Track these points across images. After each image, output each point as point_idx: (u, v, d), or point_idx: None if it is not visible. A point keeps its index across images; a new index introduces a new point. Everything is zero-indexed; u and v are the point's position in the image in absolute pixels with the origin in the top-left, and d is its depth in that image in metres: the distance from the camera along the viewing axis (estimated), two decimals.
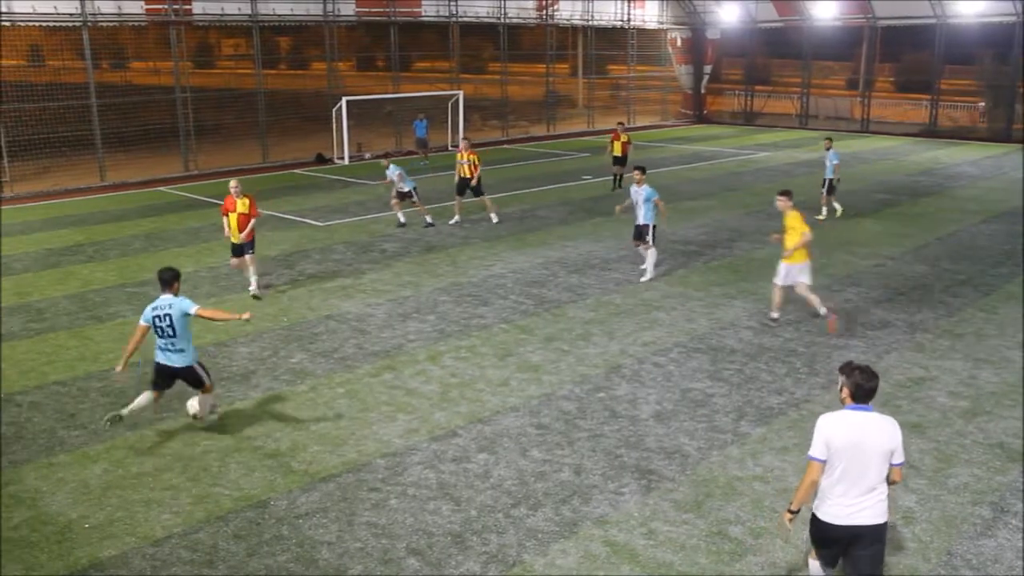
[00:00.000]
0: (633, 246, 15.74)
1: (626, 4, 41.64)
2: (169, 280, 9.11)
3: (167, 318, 8.91)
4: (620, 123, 25.69)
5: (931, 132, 38.71)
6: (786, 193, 12.87)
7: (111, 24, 26.59)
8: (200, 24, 29.42)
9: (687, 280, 15.21)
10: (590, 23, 40.38)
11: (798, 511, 5.96)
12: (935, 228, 19.63)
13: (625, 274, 15.55)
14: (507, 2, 36.32)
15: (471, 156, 19.48)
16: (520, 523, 7.58)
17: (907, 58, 44.39)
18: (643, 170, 15.32)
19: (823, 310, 12.67)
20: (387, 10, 32.62)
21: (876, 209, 21.92)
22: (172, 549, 7.27)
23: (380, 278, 15.39)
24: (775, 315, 12.87)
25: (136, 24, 27.44)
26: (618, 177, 24.35)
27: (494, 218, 19.92)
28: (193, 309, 8.96)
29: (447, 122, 33.81)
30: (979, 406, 10.06)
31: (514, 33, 38.28)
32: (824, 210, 20.84)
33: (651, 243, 14.98)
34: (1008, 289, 14.62)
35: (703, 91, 46.85)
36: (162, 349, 9.09)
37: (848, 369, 5.83)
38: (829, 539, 5.92)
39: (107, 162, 26.20)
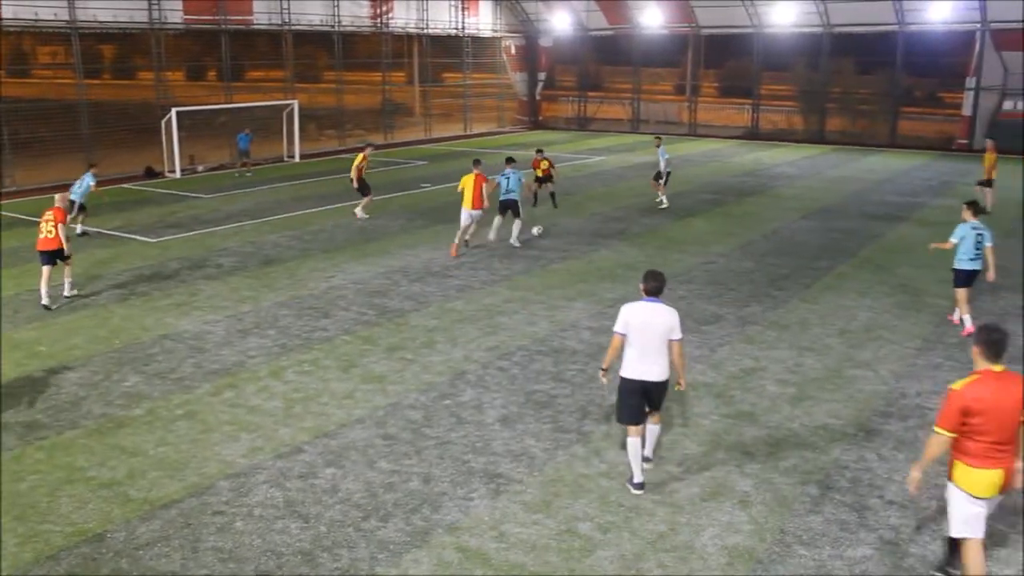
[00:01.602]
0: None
1: (460, 12, 41.94)
2: None
3: None
4: (539, 150, 24.29)
5: (753, 135, 40.80)
6: None
7: None
8: (11, 29, 27.61)
9: (527, 284, 15.47)
10: (425, 31, 40.45)
11: (607, 368, 8.33)
12: (760, 226, 20.71)
13: (466, 280, 15.66)
14: (341, 10, 35.92)
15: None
16: (371, 536, 7.52)
17: (729, 65, 46.61)
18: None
19: None
20: (217, 17, 31.65)
21: (705, 209, 22.92)
22: None
23: (217, 294, 14.92)
24: None
25: None
26: (535, 195, 23.14)
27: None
28: None
29: (282, 132, 33.11)
30: (804, 392, 10.69)
31: (349, 41, 37.89)
32: (662, 197, 23.04)
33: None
34: (826, 281, 15.59)
35: (538, 97, 47.74)
36: None
37: (646, 276, 8.13)
38: (629, 390, 8.14)
39: None
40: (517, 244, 18.31)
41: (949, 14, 35.88)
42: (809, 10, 38.47)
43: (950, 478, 6.50)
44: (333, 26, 35.82)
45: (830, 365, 11.59)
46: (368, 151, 22.17)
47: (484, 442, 9.30)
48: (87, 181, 19.64)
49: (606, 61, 48.37)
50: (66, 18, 27.30)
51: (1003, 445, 6.23)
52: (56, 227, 14.27)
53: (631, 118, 44.74)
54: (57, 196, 15.05)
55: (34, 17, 26.74)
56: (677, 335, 8.01)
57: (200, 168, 30.33)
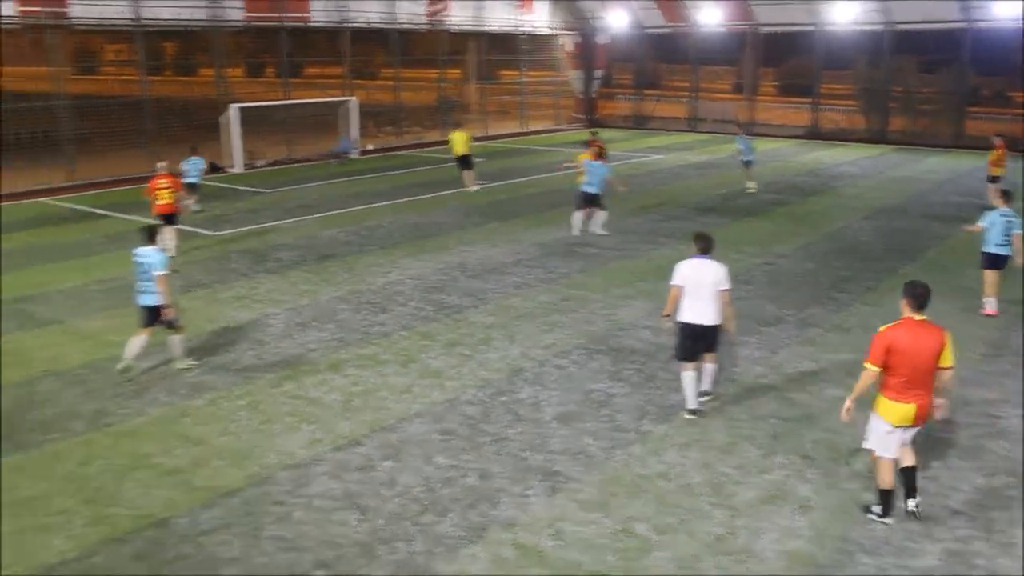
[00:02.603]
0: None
1: (516, 10, 41.94)
2: None
3: None
4: (593, 132, 24.90)
5: (813, 134, 40.19)
6: None
7: None
8: (79, 28, 28.30)
9: (585, 282, 15.42)
10: (481, 28, 40.53)
11: (669, 315, 9.68)
12: (821, 226, 20.39)
13: (523, 278, 15.66)
14: (398, 7, 36.13)
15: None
16: (428, 530, 7.56)
17: (788, 63, 45.98)
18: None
19: None
20: (276, 15, 32.06)
21: (765, 208, 22.64)
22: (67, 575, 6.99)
23: (277, 287, 15.12)
24: None
25: (8, 27, 26.21)
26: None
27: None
28: None
29: (341, 128, 33.47)
30: (865, 396, 10.47)
31: (406, 38, 38.12)
32: (748, 184, 24.68)
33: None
34: (890, 283, 15.28)
35: (595, 95, 47.56)
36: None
37: (696, 238, 9.63)
38: (686, 333, 9.57)
39: None
40: (602, 231, 19.15)
41: (1020, 11, 34.93)
42: (870, 7, 37.73)
43: (873, 407, 7.81)
44: (390, 23, 36.03)
45: None
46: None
47: (541, 440, 9.29)
48: (198, 164, 21.41)
49: (663, 59, 48.03)
50: (131, 16, 27.85)
51: (917, 383, 7.47)
52: (173, 193, 17.02)
53: (688, 116, 44.35)
54: (159, 165, 17.28)
55: (100, 16, 27.32)
56: (725, 286, 9.49)
57: (260, 163, 30.77)
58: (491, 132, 41.06)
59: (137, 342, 11.01)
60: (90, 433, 9.50)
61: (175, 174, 17.95)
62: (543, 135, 42.06)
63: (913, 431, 7.80)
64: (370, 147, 34.47)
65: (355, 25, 34.54)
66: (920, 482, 8.40)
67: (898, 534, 7.55)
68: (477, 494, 8.16)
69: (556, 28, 45.03)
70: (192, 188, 21.02)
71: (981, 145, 36.49)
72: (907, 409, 7.56)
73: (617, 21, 44.75)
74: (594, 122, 46.37)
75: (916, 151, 35.76)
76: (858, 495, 8.17)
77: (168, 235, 16.56)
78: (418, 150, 35.37)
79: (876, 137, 38.94)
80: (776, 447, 9.15)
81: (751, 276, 15.88)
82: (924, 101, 39.87)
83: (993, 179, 22.73)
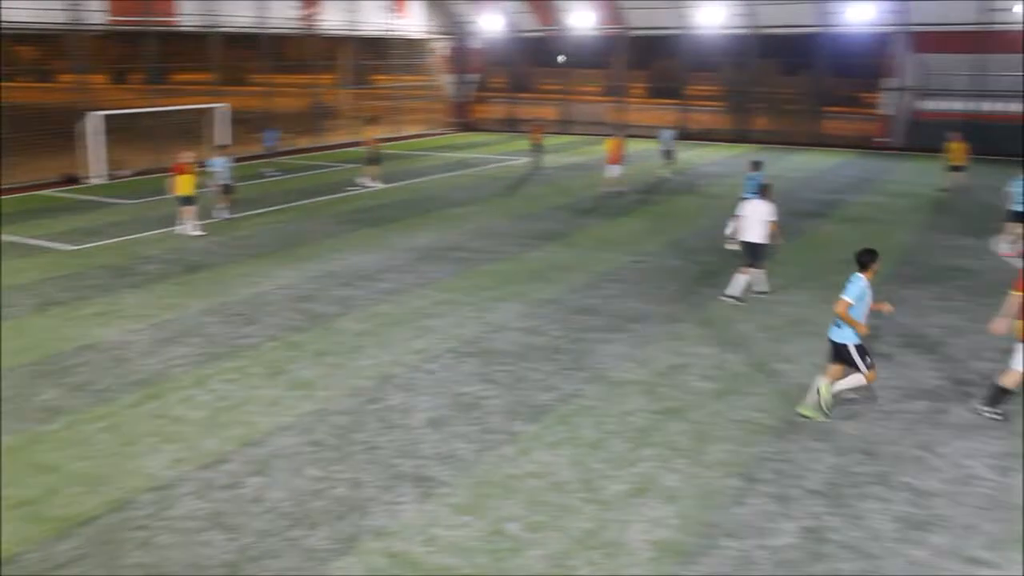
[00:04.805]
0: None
1: (390, 14, 41.69)
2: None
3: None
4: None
5: (681, 135, 41.27)
6: None
7: None
8: None
9: (456, 286, 15.44)
10: (355, 32, 40.12)
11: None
12: (688, 224, 21.01)
13: (395, 284, 15.58)
14: (269, 10, 35.37)
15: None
16: (298, 544, 7.43)
17: (658, 66, 47.12)
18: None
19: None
20: (141, 18, 30.90)
21: (635, 208, 23.17)
22: None
23: (141, 302, 14.59)
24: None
25: None
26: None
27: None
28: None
29: (209, 137, 32.54)
30: (729, 387, 10.87)
31: (278, 42, 37.40)
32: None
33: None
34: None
35: (469, 99, 47.71)
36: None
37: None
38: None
39: None
40: None
41: (868, 16, 36.78)
42: (736, 11, 39.10)
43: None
44: (261, 28, 35.29)
45: (754, 360, 11.80)
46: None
47: (413, 445, 9.26)
48: (226, 163, 21.68)
49: (536, 63, 48.52)
50: None
51: None
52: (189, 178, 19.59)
53: (561, 119, 44.95)
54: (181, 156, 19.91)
55: None
56: (772, 216, 14.09)
57: (126, 173, 29.62)
58: (364, 137, 40.59)
59: None
60: None
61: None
62: (417, 139, 41.96)
63: None
64: (241, 155, 33.64)
65: (225, 29, 33.68)
66: (777, 466, 8.77)
67: (758, 516, 7.84)
68: (348, 504, 8.07)
69: (430, 32, 44.98)
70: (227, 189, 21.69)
71: (838, 143, 38.36)
72: None
73: (491, 25, 45.02)
74: (468, 126, 46.52)
75: (778, 150, 37.19)
76: (722, 481, 8.44)
77: None
78: (290, 157, 34.75)
79: (741, 137, 40.36)
80: (643, 440, 9.36)
81: (620, 275, 16.22)
82: (785, 102, 41.57)
83: (957, 168, 25.86)
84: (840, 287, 9.81)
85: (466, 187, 26.96)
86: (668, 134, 30.01)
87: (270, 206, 23.21)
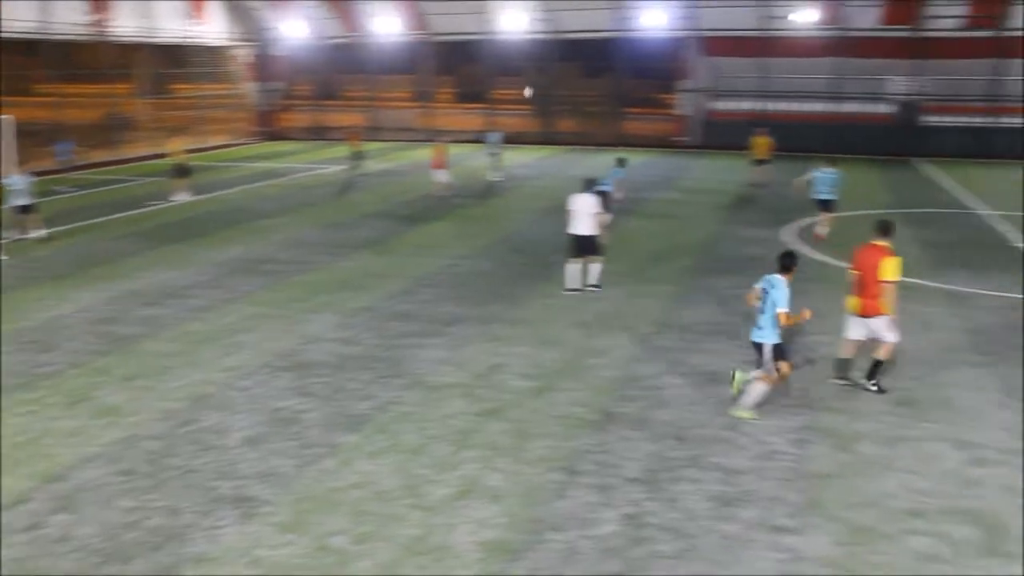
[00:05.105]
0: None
1: (188, 20, 40.10)
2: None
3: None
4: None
5: (479, 138, 41.95)
6: None
7: None
8: None
9: (267, 299, 15.05)
10: (152, 39, 38.31)
11: None
12: (499, 226, 21.36)
13: (204, 300, 15.01)
14: (54, 14, 33.16)
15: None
16: None
17: (464, 70, 47.65)
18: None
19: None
20: None
21: (446, 212, 23.34)
22: None
23: None
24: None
25: None
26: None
27: None
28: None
29: None
30: (547, 384, 11.13)
31: (64, 50, 35.17)
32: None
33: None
34: (560, 277, 16.22)
35: (275, 108, 46.64)
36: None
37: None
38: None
39: None
40: None
41: (662, 22, 38.59)
42: (538, 16, 40.06)
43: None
44: (46, 32, 33.08)
45: (569, 356, 12.15)
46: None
47: (230, 466, 8.96)
48: (25, 180, 19.92)
49: (343, 69, 48.00)
50: None
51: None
52: None
53: (369, 126, 44.67)
54: None
55: None
56: (596, 209, 14.69)
57: None
58: (166, 149, 38.88)
59: None
60: None
61: None
62: (221, 150, 40.63)
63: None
64: (31, 171, 31.45)
65: (5, 34, 31.30)
66: (597, 457, 9.07)
67: (581, 508, 8.07)
68: (165, 533, 7.71)
69: (232, 39, 43.59)
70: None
71: (639, 143, 40.03)
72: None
73: (295, 32, 44.13)
74: (274, 135, 45.46)
75: (583, 151, 38.44)
76: (544, 476, 8.63)
77: None
78: (86, 171, 32.85)
79: (548, 139, 41.43)
80: (465, 442, 9.45)
81: (434, 279, 16.31)
82: (589, 104, 43.04)
83: (758, 162, 27.55)
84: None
85: (275, 197, 26.37)
86: (495, 137, 30.67)
87: (67, 224, 21.85)
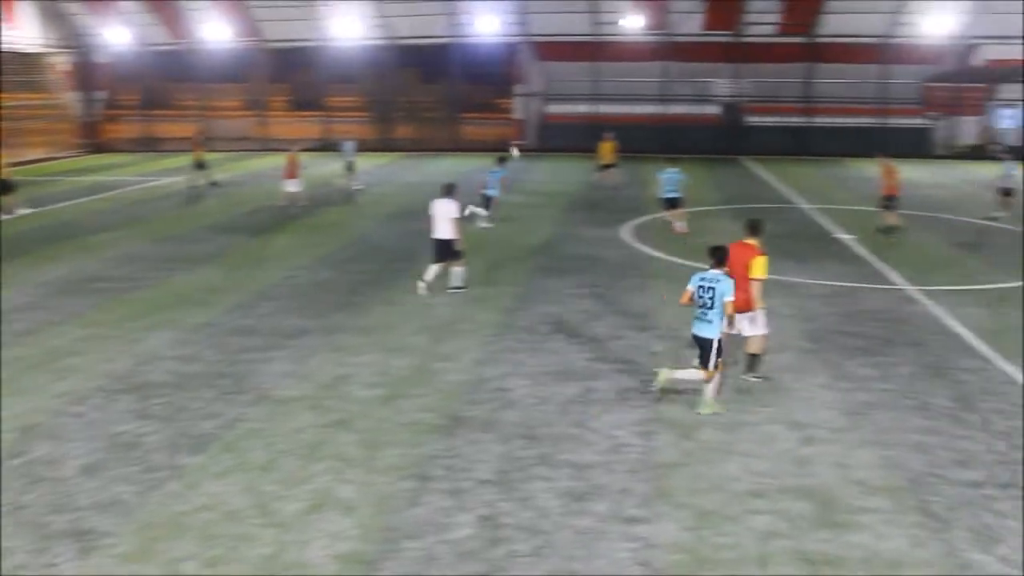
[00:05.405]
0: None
1: None
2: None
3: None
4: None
5: (326, 147, 41.40)
6: None
7: None
8: None
9: (99, 319, 14.37)
10: None
11: None
12: (340, 235, 21.17)
13: (28, 324, 14.14)
14: None
15: None
16: None
17: (298, 78, 46.84)
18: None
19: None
20: None
21: (284, 223, 22.94)
22: None
23: None
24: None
25: None
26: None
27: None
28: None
29: None
30: (395, 391, 11.12)
31: None
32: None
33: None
34: (405, 283, 16.28)
35: (98, 118, 44.47)
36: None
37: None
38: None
39: None
40: None
41: (495, 28, 39.13)
42: (371, 22, 39.84)
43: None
44: None
45: (416, 362, 12.17)
46: None
47: (66, 498, 8.50)
48: None
49: (172, 77, 46.23)
50: None
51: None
52: None
53: (202, 135, 43.23)
54: None
55: None
56: (455, 214, 15.11)
57: None
58: None
59: None
60: None
61: None
62: (41, 164, 38.43)
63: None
64: None
65: None
66: (447, 462, 9.14)
67: (435, 513, 8.10)
68: None
69: (48, 45, 41.21)
70: None
71: (478, 148, 40.45)
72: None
73: (118, 38, 42.17)
74: (100, 147, 43.36)
75: (422, 157, 38.49)
76: (396, 485, 8.63)
77: None
78: None
79: (386, 146, 41.27)
80: (314, 456, 9.33)
81: (273, 291, 15.99)
82: (426, 110, 43.14)
83: (606, 166, 28.54)
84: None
85: (103, 212, 25.21)
86: (349, 145, 30.65)
87: None
